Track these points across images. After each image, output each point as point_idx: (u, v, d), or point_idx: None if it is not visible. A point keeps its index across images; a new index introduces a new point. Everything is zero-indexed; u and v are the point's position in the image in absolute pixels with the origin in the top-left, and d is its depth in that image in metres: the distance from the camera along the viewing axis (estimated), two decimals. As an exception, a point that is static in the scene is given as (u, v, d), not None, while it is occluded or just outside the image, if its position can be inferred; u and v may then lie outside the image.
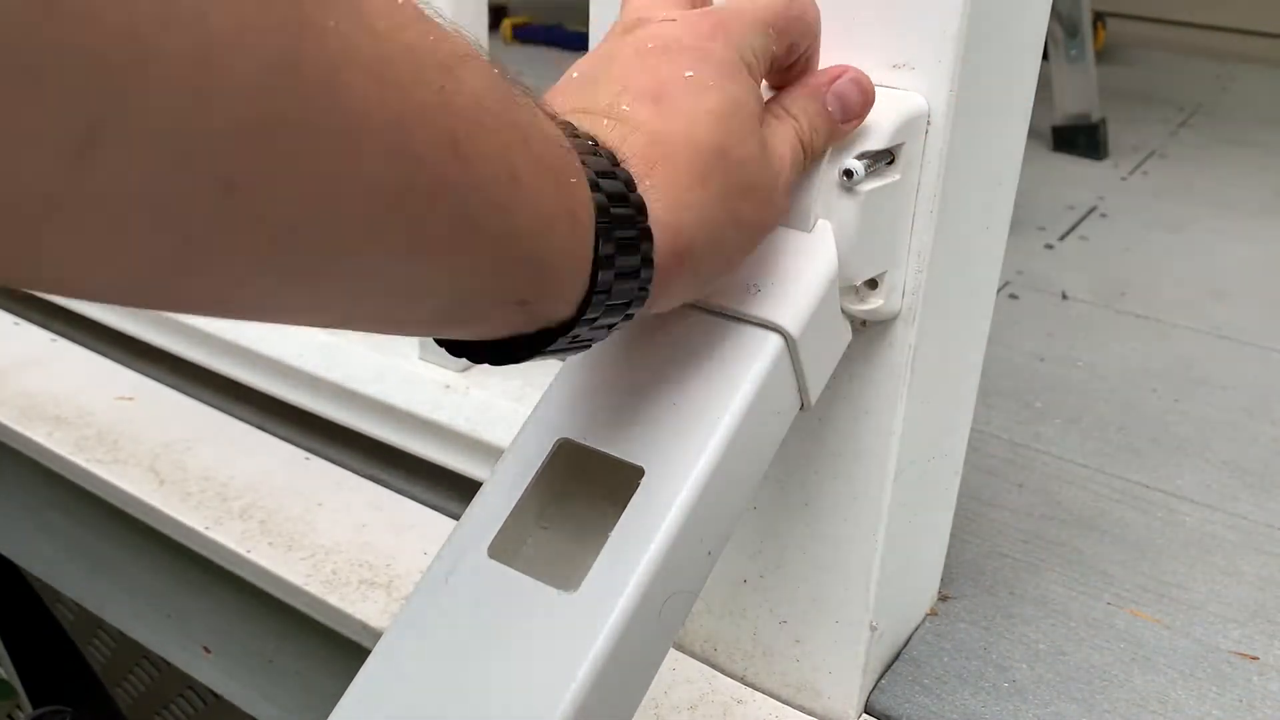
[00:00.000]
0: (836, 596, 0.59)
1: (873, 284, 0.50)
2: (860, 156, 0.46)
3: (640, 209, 0.36)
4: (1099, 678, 0.65)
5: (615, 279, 0.36)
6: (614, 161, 0.36)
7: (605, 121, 0.37)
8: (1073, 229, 1.40)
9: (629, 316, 0.38)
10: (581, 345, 0.38)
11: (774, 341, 0.45)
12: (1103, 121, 1.66)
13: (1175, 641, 0.68)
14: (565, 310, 0.35)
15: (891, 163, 0.47)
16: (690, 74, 0.39)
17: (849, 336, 0.50)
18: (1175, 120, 1.87)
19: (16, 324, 1.05)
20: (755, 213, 0.41)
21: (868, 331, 0.52)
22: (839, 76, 0.44)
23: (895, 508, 0.56)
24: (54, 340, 1.02)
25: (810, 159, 0.45)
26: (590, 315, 0.36)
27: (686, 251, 0.38)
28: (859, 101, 0.45)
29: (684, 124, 0.38)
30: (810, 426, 0.56)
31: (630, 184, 0.36)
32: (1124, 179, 1.59)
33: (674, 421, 0.43)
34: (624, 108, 0.38)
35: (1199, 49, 2.34)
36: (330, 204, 0.25)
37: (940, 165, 0.48)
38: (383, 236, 0.27)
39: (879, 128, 0.46)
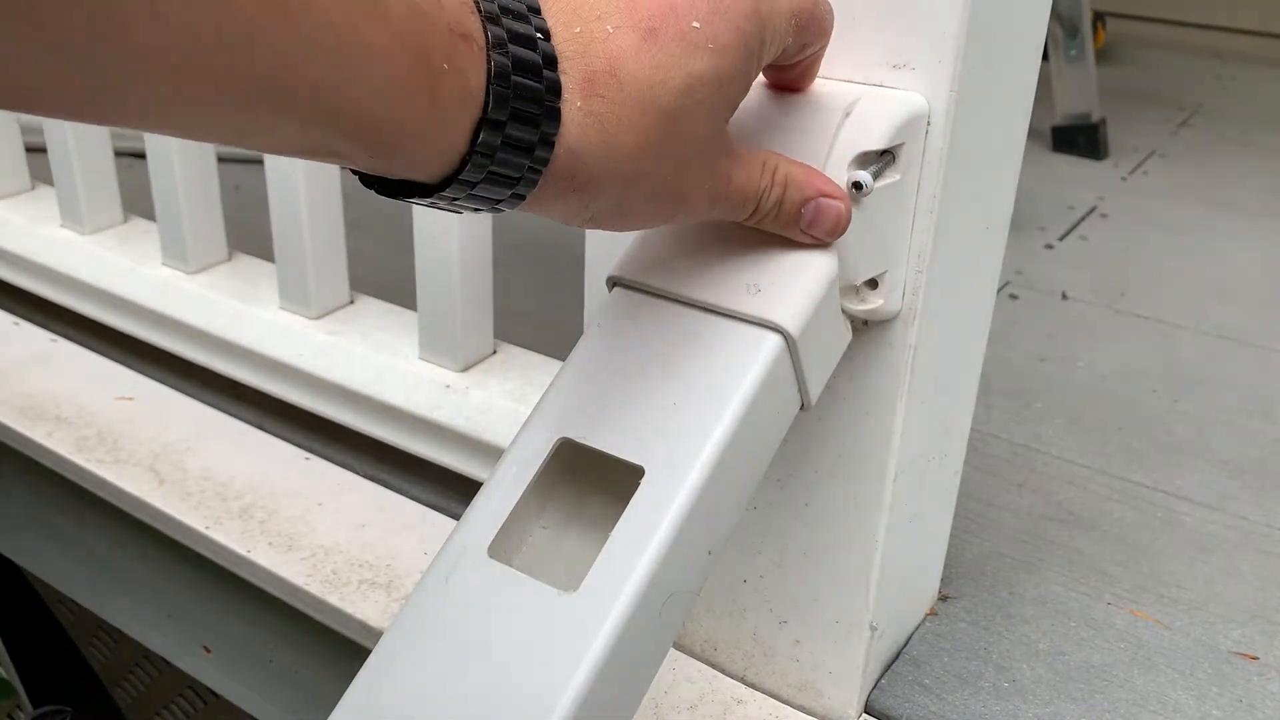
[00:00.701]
0: (836, 596, 0.59)
1: (873, 284, 0.50)
2: (865, 164, 0.46)
3: (553, 89, 0.35)
4: (1099, 678, 0.65)
5: (501, 146, 0.35)
6: (544, 37, 0.35)
7: (578, 29, 0.36)
8: (1073, 229, 1.40)
9: (517, 197, 0.37)
10: (465, 207, 0.37)
11: (774, 341, 0.45)
12: (1103, 121, 1.66)
13: (1175, 641, 0.68)
14: (426, 173, 0.35)
15: (892, 163, 0.47)
16: (696, 25, 0.37)
17: (849, 336, 0.50)
18: (1175, 120, 1.87)
19: (16, 324, 1.05)
20: (665, 197, 0.39)
21: (868, 331, 0.52)
22: (836, 196, 0.44)
23: (895, 507, 0.56)
24: (54, 340, 1.02)
25: (745, 217, 0.44)
26: (468, 178, 0.35)
27: (586, 186, 0.37)
28: (828, 229, 0.45)
29: (654, 74, 0.37)
30: (810, 426, 0.56)
31: (550, 60, 0.35)
32: (1124, 179, 1.59)
33: (674, 421, 0.43)
34: (608, 28, 0.36)
35: (1199, 49, 2.34)
36: (133, 39, 0.26)
37: (940, 165, 0.48)
38: (195, 79, 0.28)
39: (879, 128, 0.46)
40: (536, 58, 0.35)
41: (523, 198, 0.37)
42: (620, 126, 0.36)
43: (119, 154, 1.06)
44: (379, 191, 0.37)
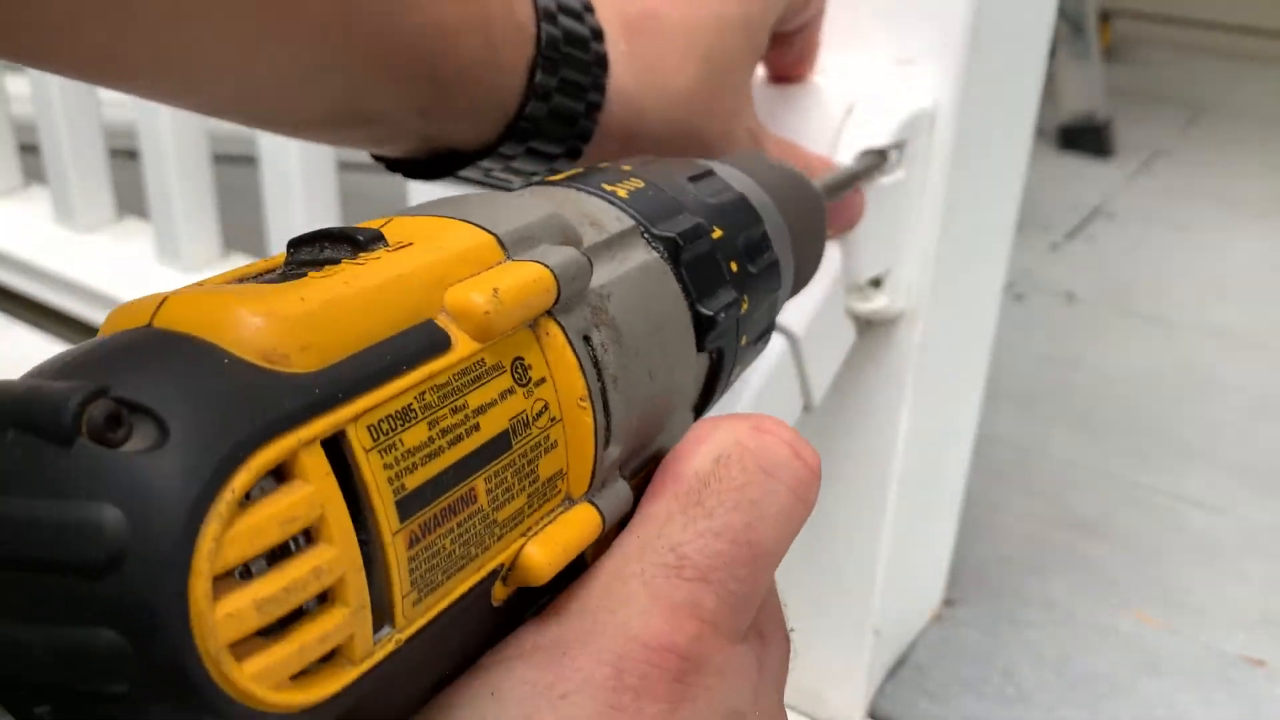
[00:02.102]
0: (839, 601, 0.58)
1: (877, 283, 0.49)
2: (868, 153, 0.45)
3: (596, 34, 0.34)
4: (1105, 683, 0.64)
5: (558, 88, 0.33)
6: (586, 8, 0.34)
7: None
8: (1079, 229, 1.39)
9: (574, 152, 0.35)
10: (497, 182, 0.36)
11: (777, 342, 0.44)
12: (1109, 120, 1.65)
13: (1182, 646, 0.68)
14: (472, 134, 0.33)
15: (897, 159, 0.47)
16: None
17: (853, 337, 0.50)
18: (1182, 119, 1.87)
19: (9, 324, 1.04)
20: (717, 151, 0.38)
21: (872, 331, 0.51)
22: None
23: (899, 511, 0.56)
24: (47, 340, 1.02)
25: None
26: (507, 151, 0.33)
27: (640, 132, 0.36)
28: (843, 223, 0.44)
29: (688, 15, 0.36)
30: (813, 428, 0.55)
31: (597, 33, 0.34)
32: (1130, 178, 1.58)
33: (673, 424, 0.43)
34: None
35: (1206, 47, 2.34)
36: None
37: (945, 163, 0.47)
38: (242, 12, 0.26)
39: (883, 124, 0.45)
40: (575, 3, 0.34)
41: (579, 152, 0.35)
42: (667, 70, 0.36)
43: (113, 153, 1.05)
44: (411, 174, 0.35)
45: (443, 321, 0.18)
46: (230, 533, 0.14)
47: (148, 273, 0.97)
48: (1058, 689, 0.63)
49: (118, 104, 1.09)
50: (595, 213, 0.24)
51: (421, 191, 0.79)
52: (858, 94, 0.46)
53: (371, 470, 0.16)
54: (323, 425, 0.15)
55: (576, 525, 0.20)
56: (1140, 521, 0.80)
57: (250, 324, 0.15)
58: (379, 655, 0.16)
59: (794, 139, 0.46)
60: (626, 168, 0.27)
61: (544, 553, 0.19)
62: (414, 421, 0.17)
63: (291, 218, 0.86)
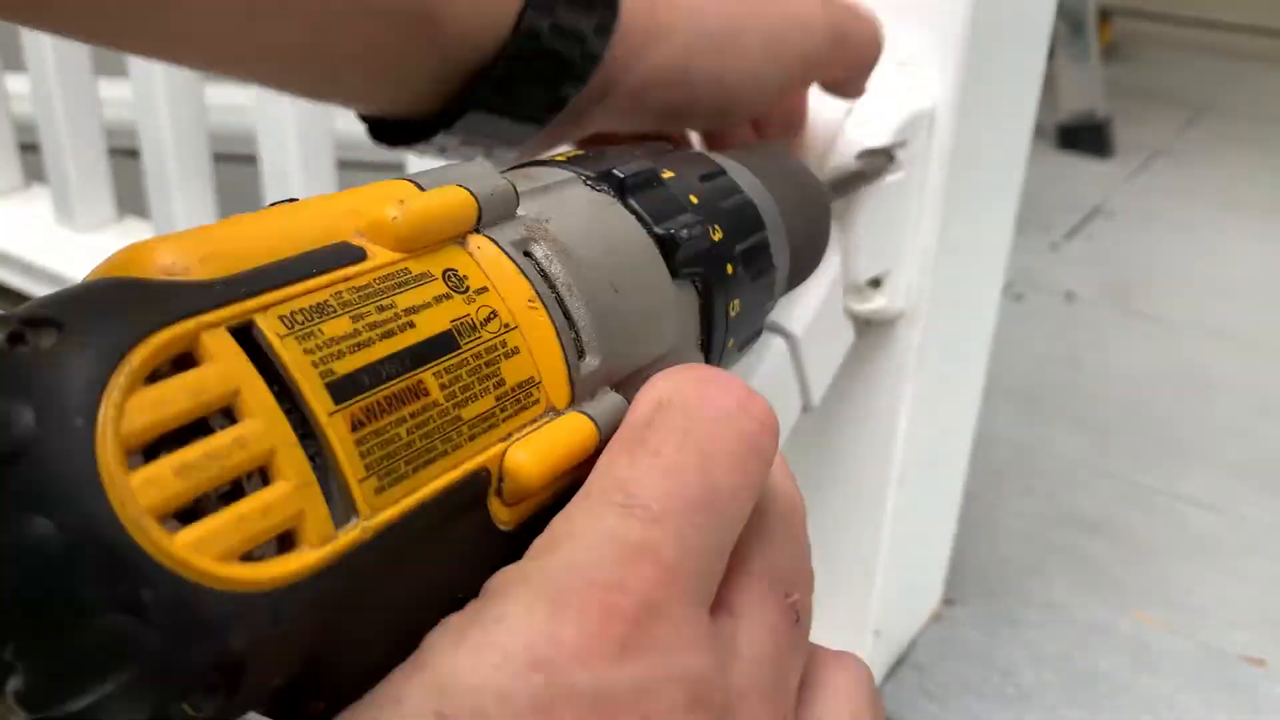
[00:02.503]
0: (839, 601, 0.58)
1: (876, 283, 0.49)
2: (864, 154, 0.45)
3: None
4: (1105, 682, 0.64)
5: (551, 31, 0.31)
6: None
7: None
8: (1078, 228, 1.39)
9: (557, 104, 0.33)
10: (496, 131, 0.33)
11: (776, 343, 0.44)
12: (1108, 120, 1.65)
13: (1181, 646, 0.68)
14: (480, 41, 0.31)
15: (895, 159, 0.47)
16: None
17: (852, 337, 0.50)
18: (1182, 119, 1.86)
19: (14, 323, 1.04)
20: (761, 59, 0.36)
21: (871, 331, 0.51)
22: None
23: (898, 510, 0.56)
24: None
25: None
26: (503, 72, 0.31)
27: (673, 25, 0.34)
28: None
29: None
30: (813, 428, 0.55)
31: None
32: (1130, 178, 1.58)
33: (672, 424, 0.43)
34: None
35: (1206, 47, 2.34)
36: None
37: (944, 163, 0.47)
38: None
39: (883, 125, 0.45)
40: None
41: (597, 57, 0.32)
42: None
43: (113, 152, 1.05)
44: (395, 142, 0.34)
45: (357, 241, 0.18)
46: (133, 400, 0.14)
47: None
48: (1057, 688, 0.63)
49: (119, 103, 1.09)
50: (545, 174, 0.24)
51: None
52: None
53: (289, 353, 0.16)
54: (227, 313, 0.16)
55: (566, 432, 0.20)
56: (1140, 521, 0.80)
57: (154, 249, 0.16)
58: (344, 541, 0.16)
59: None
60: (639, 153, 0.27)
61: (530, 456, 0.19)
62: (332, 315, 0.17)
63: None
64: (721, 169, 0.30)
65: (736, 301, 0.27)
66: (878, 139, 0.45)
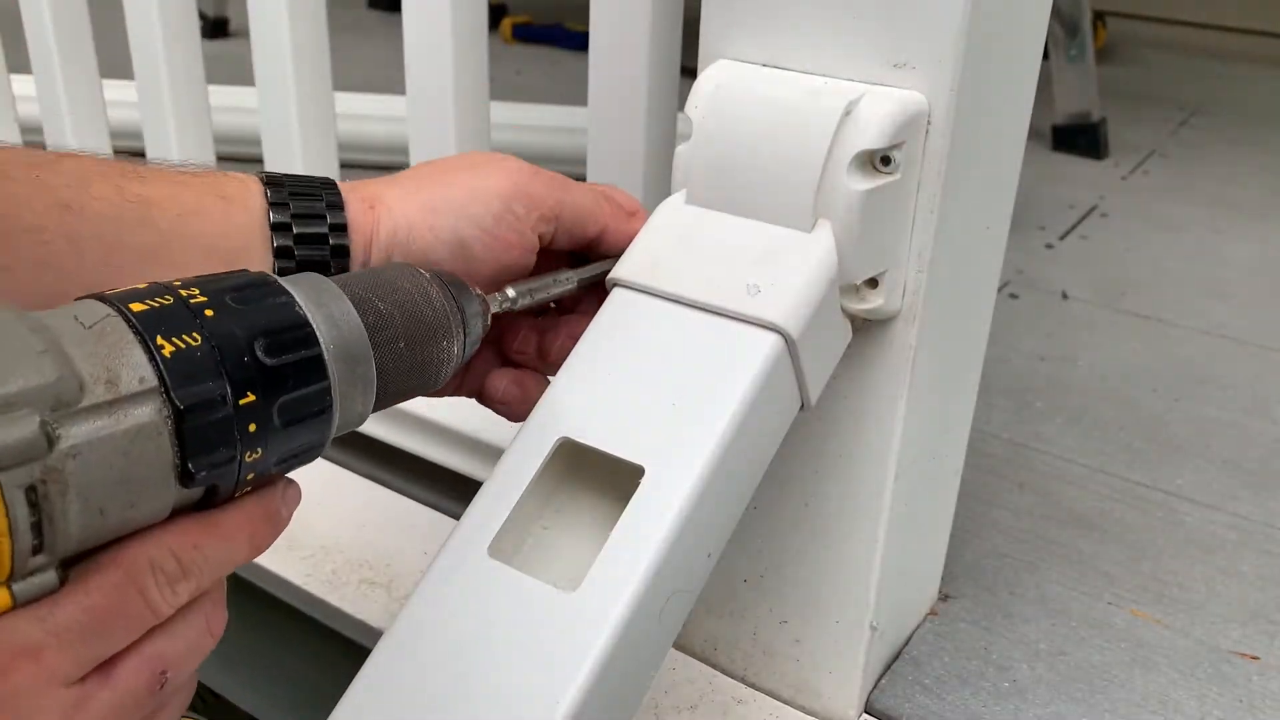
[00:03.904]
0: (837, 596, 0.59)
1: (873, 283, 0.50)
2: (864, 164, 0.46)
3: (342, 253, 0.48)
4: (1099, 678, 0.65)
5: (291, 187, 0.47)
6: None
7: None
8: (1073, 228, 1.39)
9: (333, 206, 0.46)
10: (300, 227, 0.46)
11: (774, 342, 0.45)
12: (1103, 121, 1.66)
13: (1175, 641, 0.68)
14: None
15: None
16: None
17: (849, 336, 0.50)
18: (1175, 119, 1.87)
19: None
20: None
21: (868, 331, 0.52)
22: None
23: (895, 507, 0.56)
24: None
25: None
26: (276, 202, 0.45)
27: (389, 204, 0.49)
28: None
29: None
30: (810, 426, 0.56)
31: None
32: (1124, 178, 1.59)
33: (674, 421, 0.43)
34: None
35: (1199, 48, 2.34)
36: None
37: (940, 164, 0.48)
38: None
39: (880, 127, 0.46)
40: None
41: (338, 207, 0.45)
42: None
43: (118, 153, 1.06)
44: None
45: None
46: None
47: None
48: (1053, 683, 0.64)
49: (123, 105, 1.10)
50: (121, 369, 0.30)
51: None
52: (854, 96, 0.46)
53: None
54: None
55: None
56: (1134, 518, 0.81)
57: None
58: None
59: (790, 140, 0.47)
60: (208, 311, 0.33)
61: None
62: None
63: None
64: (301, 321, 0.35)
65: (257, 453, 0.33)
66: (875, 141, 0.46)
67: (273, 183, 0.45)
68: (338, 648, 0.75)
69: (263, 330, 0.33)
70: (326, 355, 0.35)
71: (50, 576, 0.30)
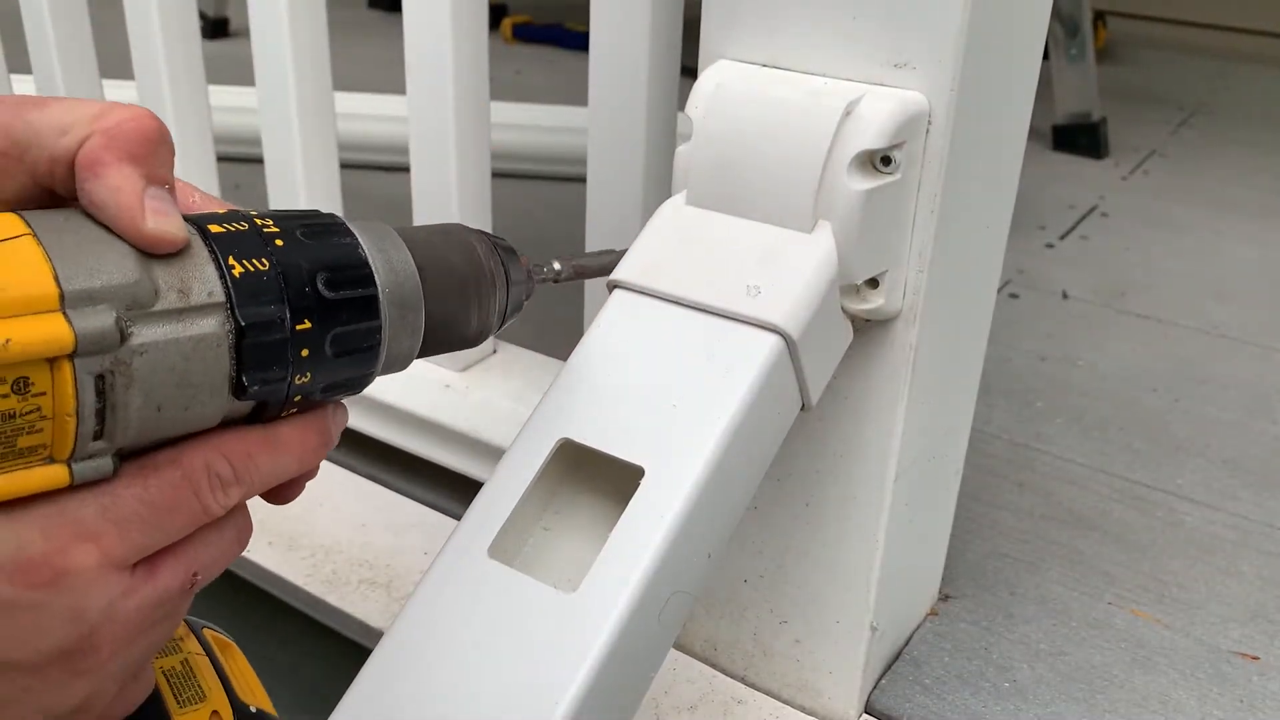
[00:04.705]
0: (837, 596, 0.59)
1: (873, 283, 0.50)
2: (864, 164, 0.46)
3: None
4: (1100, 678, 0.65)
5: None
6: None
7: None
8: (1073, 228, 1.39)
9: None
10: None
11: (774, 343, 0.45)
12: (1103, 121, 1.66)
13: (1176, 641, 0.68)
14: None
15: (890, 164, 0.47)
16: None
17: (850, 336, 0.50)
18: (1176, 119, 1.87)
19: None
20: None
21: (868, 331, 0.52)
22: None
23: (896, 507, 0.56)
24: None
25: None
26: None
27: None
28: None
29: None
30: (810, 426, 0.56)
31: None
32: (1124, 178, 1.59)
33: (674, 422, 0.43)
34: None
35: (1200, 48, 2.34)
36: None
37: (941, 164, 0.48)
38: None
39: (880, 127, 0.46)
40: None
41: None
42: None
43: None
44: None
45: None
46: None
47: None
48: (1053, 683, 0.64)
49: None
50: (194, 281, 0.32)
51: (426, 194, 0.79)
52: (854, 96, 0.46)
53: None
54: None
55: (39, 474, 0.30)
56: (1135, 518, 0.81)
57: None
58: None
59: (790, 141, 0.47)
60: (278, 241, 0.35)
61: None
62: None
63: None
64: (361, 261, 0.36)
65: (308, 375, 0.35)
66: (875, 141, 0.46)
67: None
68: (338, 648, 0.75)
69: (326, 265, 0.35)
70: (381, 297, 0.37)
71: (106, 463, 0.32)
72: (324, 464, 0.85)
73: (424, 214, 0.79)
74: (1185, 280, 1.25)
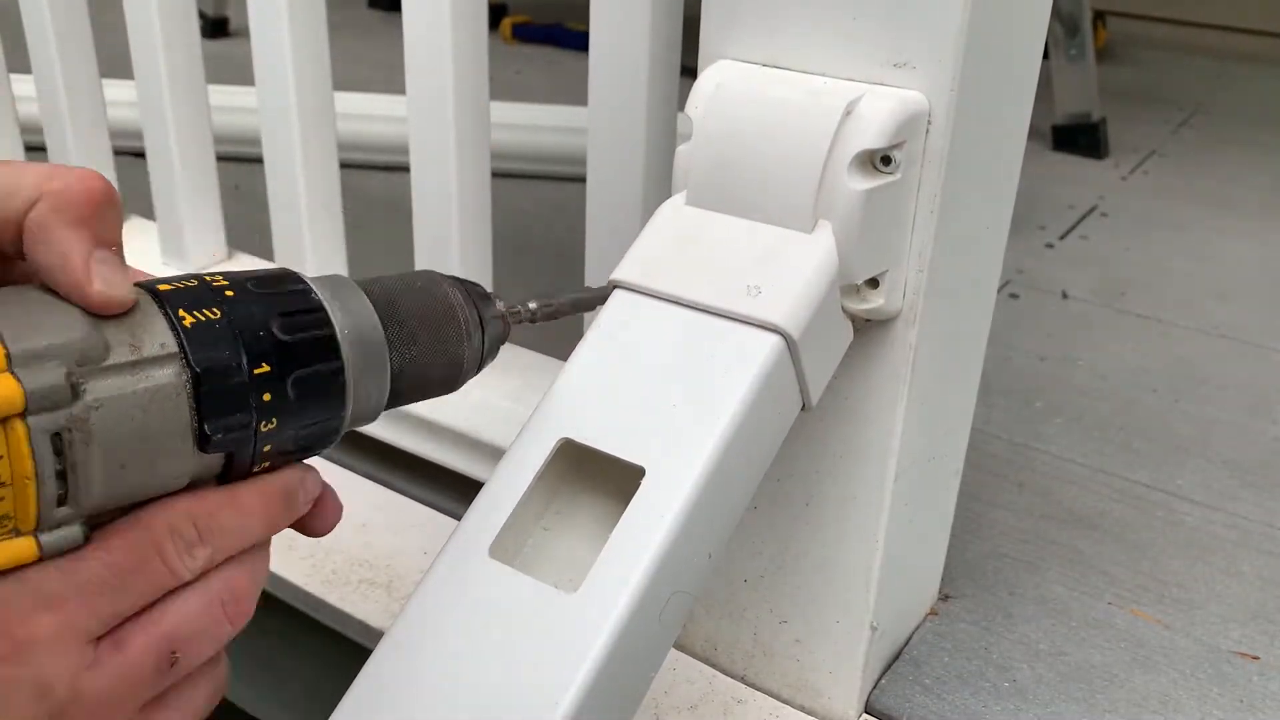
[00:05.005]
0: (837, 596, 0.59)
1: (873, 283, 0.50)
2: (864, 163, 0.46)
3: None
4: (1099, 678, 0.65)
5: None
6: None
7: None
8: (1073, 228, 1.39)
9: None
10: None
11: (774, 343, 0.45)
12: (1103, 121, 1.66)
13: (1176, 641, 0.68)
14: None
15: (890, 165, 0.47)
16: None
17: (850, 336, 0.50)
18: (1176, 119, 1.87)
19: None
20: None
21: (868, 331, 0.52)
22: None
23: (895, 507, 0.56)
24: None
25: None
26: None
27: None
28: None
29: None
30: (810, 426, 0.56)
31: None
32: (1124, 178, 1.59)
33: (675, 422, 0.43)
34: None
35: (1200, 48, 2.34)
36: None
37: (941, 164, 0.48)
38: None
39: (880, 127, 0.46)
40: None
41: None
42: None
43: (118, 153, 1.06)
44: None
45: None
46: None
47: (153, 271, 0.98)
48: (1053, 683, 0.64)
49: (123, 104, 1.10)
50: (144, 334, 0.32)
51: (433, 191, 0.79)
52: (854, 96, 0.46)
53: None
54: None
55: (7, 548, 0.30)
56: (1134, 518, 0.81)
57: None
58: None
59: (790, 141, 0.47)
60: (229, 293, 0.35)
61: None
62: None
63: (296, 216, 0.87)
64: (316, 306, 0.36)
65: (273, 422, 0.34)
66: (875, 141, 0.46)
67: None
68: (338, 648, 0.75)
69: (280, 311, 0.35)
70: (340, 337, 0.36)
71: (76, 531, 0.31)
72: (324, 464, 0.85)
73: (424, 214, 0.79)
74: (1185, 280, 1.25)
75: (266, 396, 0.34)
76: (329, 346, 0.36)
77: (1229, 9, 2.37)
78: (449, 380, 0.42)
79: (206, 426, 0.33)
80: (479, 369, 0.43)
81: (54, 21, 0.96)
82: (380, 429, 0.83)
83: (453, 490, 0.81)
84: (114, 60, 1.05)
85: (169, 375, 0.32)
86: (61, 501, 0.30)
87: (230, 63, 1.22)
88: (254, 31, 0.82)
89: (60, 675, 0.31)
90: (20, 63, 1.04)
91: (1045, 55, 1.56)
